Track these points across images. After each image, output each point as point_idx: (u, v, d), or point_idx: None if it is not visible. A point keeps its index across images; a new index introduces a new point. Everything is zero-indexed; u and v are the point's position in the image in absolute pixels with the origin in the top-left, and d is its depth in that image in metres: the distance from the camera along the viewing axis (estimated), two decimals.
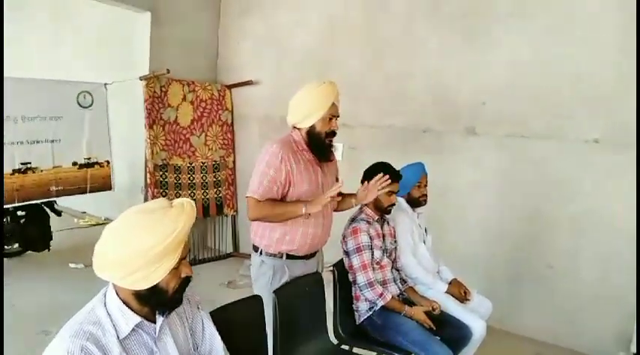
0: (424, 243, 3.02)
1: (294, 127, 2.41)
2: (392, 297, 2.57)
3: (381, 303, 2.55)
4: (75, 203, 6.34)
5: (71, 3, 6.58)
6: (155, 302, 1.39)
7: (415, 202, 2.98)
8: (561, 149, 3.63)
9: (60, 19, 7.01)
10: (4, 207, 4.24)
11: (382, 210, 2.70)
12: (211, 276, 4.72)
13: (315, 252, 2.53)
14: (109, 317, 1.35)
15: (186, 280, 1.43)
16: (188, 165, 5.09)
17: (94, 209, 6.87)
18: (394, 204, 2.72)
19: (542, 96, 3.66)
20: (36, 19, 7.31)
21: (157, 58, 4.84)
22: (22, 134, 4.18)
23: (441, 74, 4.10)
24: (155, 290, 1.35)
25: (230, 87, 5.41)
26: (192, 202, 1.42)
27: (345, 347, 2.64)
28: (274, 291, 2.26)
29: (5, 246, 4.86)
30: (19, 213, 4.90)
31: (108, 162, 4.87)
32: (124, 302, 1.37)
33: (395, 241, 2.83)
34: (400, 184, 2.67)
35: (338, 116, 2.39)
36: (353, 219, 2.70)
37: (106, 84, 4.76)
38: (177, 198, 1.44)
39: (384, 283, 2.66)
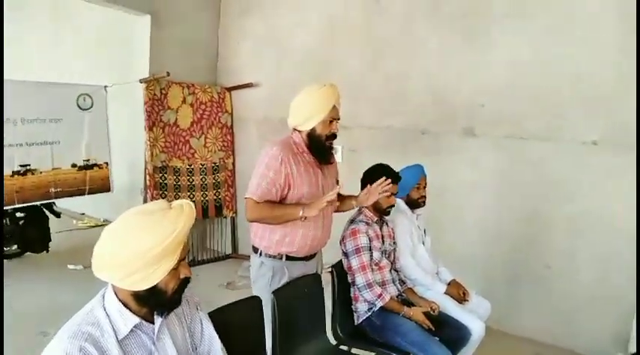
0: (423, 244, 3.02)
1: (295, 129, 2.41)
2: (391, 298, 2.58)
3: (379, 304, 2.56)
4: (74, 204, 6.35)
5: (71, 5, 6.59)
6: (154, 303, 1.39)
7: (414, 204, 2.98)
8: (559, 150, 3.63)
9: (59, 21, 7.03)
10: (4, 208, 4.24)
11: (381, 212, 2.70)
12: (210, 277, 4.72)
13: (315, 254, 2.54)
14: (108, 317, 1.35)
15: (185, 281, 1.43)
16: (187, 167, 5.10)
17: (93, 210, 6.87)
18: (393, 206, 2.72)
19: (540, 97, 3.67)
20: (36, 20, 7.33)
21: (157, 60, 4.85)
22: (21, 136, 4.19)
23: (440, 75, 4.11)
24: (154, 291, 1.36)
25: (230, 89, 5.42)
26: (192, 204, 1.42)
27: (344, 347, 2.64)
28: (273, 292, 2.26)
29: (4, 248, 4.87)
30: (18, 214, 4.91)
31: (107, 163, 4.87)
32: (122, 303, 1.38)
33: (394, 242, 2.84)
34: (399, 186, 2.67)
35: (339, 119, 2.40)
36: (352, 221, 2.70)
37: (105, 86, 4.77)
38: (177, 199, 1.45)
39: (382, 284, 2.66)
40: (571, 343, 3.65)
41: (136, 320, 1.38)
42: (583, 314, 3.60)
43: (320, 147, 2.38)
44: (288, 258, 2.39)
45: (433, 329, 2.52)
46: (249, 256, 2.52)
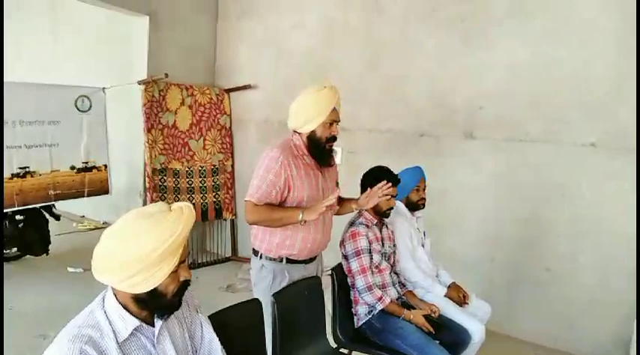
0: (423, 246, 3.02)
1: (295, 132, 2.41)
2: (391, 301, 2.57)
3: (380, 307, 2.55)
4: (73, 207, 6.34)
5: (69, 6, 6.59)
6: (154, 305, 1.39)
7: (414, 206, 2.98)
8: (559, 152, 3.64)
9: (58, 22, 7.02)
10: (4, 211, 4.24)
11: (381, 214, 2.70)
12: (210, 280, 4.71)
13: (315, 257, 2.53)
14: (108, 320, 1.35)
15: (185, 284, 1.43)
16: (187, 169, 5.09)
17: (93, 213, 6.86)
18: (392, 208, 2.72)
19: (540, 99, 3.68)
20: (34, 21, 7.32)
21: (156, 62, 4.85)
22: (20, 138, 4.18)
23: (439, 77, 4.11)
24: (154, 293, 1.35)
25: (228, 91, 5.42)
26: (191, 206, 1.42)
27: (344, 350, 2.64)
28: (273, 295, 2.26)
29: (4, 250, 4.85)
30: (18, 217, 4.90)
31: (105, 166, 4.87)
32: (122, 306, 1.37)
33: (394, 245, 2.83)
34: (399, 188, 2.67)
35: (339, 121, 2.39)
36: (352, 223, 2.70)
37: (104, 88, 4.76)
38: (176, 202, 1.44)
39: (383, 287, 2.66)
40: (571, 346, 3.65)
41: (136, 322, 1.37)
42: (583, 317, 3.60)
43: (320, 150, 2.37)
44: (289, 260, 2.39)
45: (433, 332, 2.51)
46: (249, 259, 2.52)
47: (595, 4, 3.46)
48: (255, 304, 2.15)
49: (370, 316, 2.59)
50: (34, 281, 4.52)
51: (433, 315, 2.58)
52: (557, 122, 3.63)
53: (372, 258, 2.61)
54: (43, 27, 7.21)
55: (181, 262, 1.39)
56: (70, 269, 4.84)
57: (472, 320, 2.69)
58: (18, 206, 4.27)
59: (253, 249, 2.46)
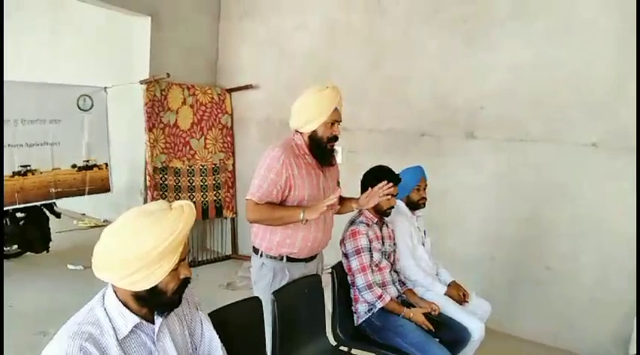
0: (423, 245, 3.02)
1: (296, 131, 2.41)
2: (391, 299, 2.58)
3: (380, 305, 2.56)
4: (74, 205, 6.35)
5: (70, 6, 6.59)
6: (154, 303, 1.39)
7: (414, 205, 2.99)
8: (560, 152, 3.64)
9: (59, 22, 7.03)
10: (5, 208, 4.25)
11: (381, 213, 2.70)
12: (210, 278, 4.72)
13: (316, 255, 2.54)
14: (108, 317, 1.35)
15: (185, 281, 1.43)
16: (188, 167, 5.10)
17: (94, 211, 6.88)
18: (393, 207, 2.72)
19: (541, 99, 3.68)
20: (35, 21, 7.33)
21: (157, 61, 4.86)
22: (22, 137, 4.19)
23: (440, 77, 4.11)
24: (154, 291, 1.36)
25: (230, 91, 5.42)
26: (192, 204, 1.42)
27: (344, 348, 2.64)
28: (273, 293, 2.26)
29: (5, 248, 4.87)
30: (19, 214, 4.91)
31: (106, 164, 4.88)
32: (123, 303, 1.38)
33: (394, 243, 2.84)
34: (399, 187, 2.67)
35: (340, 121, 2.39)
36: (352, 222, 2.70)
37: (105, 87, 4.77)
38: (177, 200, 1.45)
39: (383, 285, 2.66)
40: (571, 345, 3.66)
41: (136, 320, 1.38)
42: (583, 316, 3.60)
43: (321, 150, 2.38)
44: (289, 259, 2.39)
45: (433, 330, 2.52)
46: (249, 257, 2.52)
47: (595, 5, 3.46)
48: (255, 302, 2.16)
49: (370, 314, 2.60)
50: (35, 279, 4.53)
51: (433, 313, 2.59)
52: (558, 122, 3.63)
53: (372, 257, 2.62)
54: (43, 27, 7.22)
55: (182, 260, 1.40)
56: (71, 267, 4.85)
57: (472, 319, 2.69)
58: (19, 204, 4.28)
59: (254, 247, 2.47)
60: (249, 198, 2.27)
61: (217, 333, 1.62)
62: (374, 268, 2.63)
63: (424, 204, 3.01)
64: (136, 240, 1.31)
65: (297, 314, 2.36)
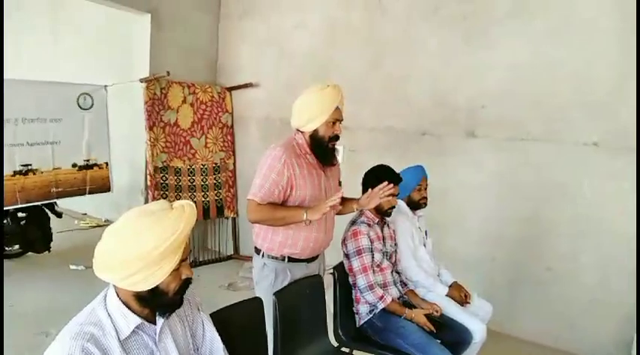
0: (424, 245, 3.02)
1: (298, 130, 2.41)
2: (392, 300, 2.57)
3: (381, 306, 2.55)
4: (75, 204, 6.35)
5: (69, 6, 6.59)
6: (155, 303, 1.39)
7: (415, 205, 2.98)
8: (560, 152, 3.63)
9: (59, 20, 7.03)
10: (5, 208, 4.24)
11: (382, 213, 2.70)
12: (211, 278, 4.72)
13: (317, 256, 2.53)
14: (110, 318, 1.35)
15: (187, 282, 1.43)
16: (188, 167, 5.10)
17: (95, 210, 6.88)
18: (394, 207, 2.72)
19: (541, 98, 3.67)
20: (35, 20, 7.33)
21: (157, 59, 4.86)
22: (22, 136, 4.18)
23: (441, 76, 4.11)
24: (155, 291, 1.36)
25: (230, 89, 5.42)
26: (193, 204, 1.42)
27: (346, 349, 2.64)
28: (275, 293, 2.26)
29: (6, 247, 4.87)
30: (20, 214, 4.91)
31: (107, 163, 4.87)
32: (124, 304, 1.38)
33: (395, 244, 2.84)
34: (400, 187, 2.66)
35: (341, 120, 2.38)
36: (353, 222, 2.70)
37: (106, 86, 4.76)
38: (178, 200, 1.44)
39: (384, 286, 2.66)
40: (573, 346, 3.65)
41: (138, 320, 1.38)
42: (585, 317, 3.60)
43: (322, 149, 2.37)
44: (291, 259, 2.39)
45: (435, 331, 2.51)
46: (251, 257, 2.52)
47: (596, 4, 3.45)
48: (256, 302, 2.15)
49: (371, 315, 2.59)
50: (36, 279, 4.52)
51: (435, 314, 2.58)
52: (558, 121, 3.63)
53: (373, 257, 2.61)
54: (43, 27, 7.21)
55: (183, 260, 1.39)
56: (72, 267, 4.85)
57: (473, 320, 2.68)
58: (20, 203, 4.28)
59: (255, 248, 2.46)
60: (251, 198, 2.27)
61: (218, 334, 1.61)
62: (375, 269, 2.63)
63: (425, 203, 3.00)
64: (136, 240, 1.31)
65: (298, 315, 2.36)
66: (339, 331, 2.65)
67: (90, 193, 4.79)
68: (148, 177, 4.76)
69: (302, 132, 2.38)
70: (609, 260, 3.49)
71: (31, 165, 4.27)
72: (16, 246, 4.99)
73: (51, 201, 4.71)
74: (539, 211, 3.75)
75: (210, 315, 1.67)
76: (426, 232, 3.09)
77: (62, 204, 5.06)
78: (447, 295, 2.83)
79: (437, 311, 2.59)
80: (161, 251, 1.31)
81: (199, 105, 5.17)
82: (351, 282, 2.67)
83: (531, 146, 3.74)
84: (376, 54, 4.45)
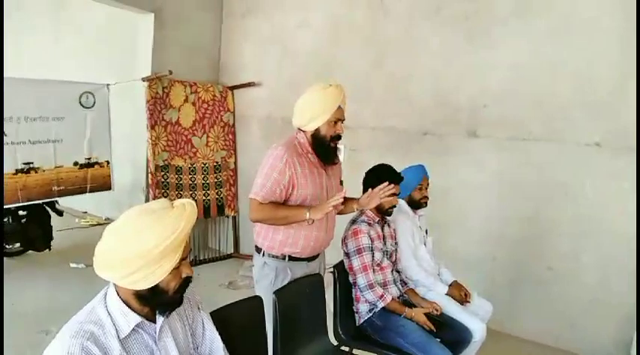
0: (425, 244, 3.02)
1: (299, 129, 2.40)
2: (392, 299, 2.57)
3: (381, 305, 2.55)
4: (76, 203, 6.35)
5: (70, 5, 6.59)
6: (155, 302, 1.39)
7: (416, 204, 2.98)
8: (562, 152, 3.63)
9: (61, 19, 7.03)
10: (6, 206, 4.25)
11: (383, 212, 2.70)
12: (212, 277, 4.72)
13: (318, 255, 2.54)
14: (110, 316, 1.35)
15: (187, 280, 1.43)
16: (189, 165, 5.10)
17: (95, 209, 6.89)
18: (395, 206, 2.72)
19: (543, 98, 3.67)
20: (37, 18, 7.32)
21: (160, 58, 4.86)
22: (24, 134, 4.19)
23: (443, 76, 4.10)
24: (156, 290, 1.36)
25: (232, 88, 5.42)
26: (193, 203, 1.42)
27: (345, 348, 2.64)
28: (275, 292, 2.26)
29: (6, 246, 4.88)
30: (21, 212, 4.92)
31: (108, 162, 4.88)
32: (124, 302, 1.38)
33: (395, 243, 2.84)
34: (401, 186, 2.66)
35: (344, 120, 2.38)
36: (353, 221, 2.70)
37: (108, 85, 4.77)
38: (179, 198, 1.44)
39: (384, 285, 2.66)
40: (573, 345, 3.65)
41: (138, 319, 1.38)
42: (585, 316, 3.60)
43: (324, 148, 2.37)
44: (291, 258, 2.39)
45: (434, 330, 2.51)
46: (251, 256, 2.52)
47: (597, 4, 3.45)
48: (256, 301, 2.15)
49: (371, 314, 2.60)
50: (36, 277, 4.54)
51: (435, 313, 2.58)
52: (560, 121, 3.62)
53: (373, 256, 2.61)
54: (43, 27, 7.21)
55: (183, 259, 1.39)
56: (72, 265, 4.86)
57: (473, 319, 2.68)
58: (22, 201, 4.29)
59: (256, 246, 2.46)
60: (253, 197, 2.27)
61: (219, 332, 1.61)
62: (375, 268, 2.63)
63: (426, 203, 3.00)
64: (137, 238, 1.31)
65: (298, 314, 2.36)
66: (339, 330, 2.66)
67: (91, 191, 4.80)
68: (149, 175, 4.77)
69: (304, 131, 2.38)
70: (610, 260, 3.48)
71: (32, 163, 4.27)
72: (17, 244, 5.01)
73: (52, 199, 4.71)
74: (540, 211, 3.75)
75: (210, 314, 1.67)
76: (426, 231, 3.09)
77: (63, 202, 5.07)
78: (447, 294, 2.83)
79: (437, 310, 2.59)
80: (161, 249, 1.31)
81: (201, 104, 5.17)
82: (351, 281, 2.67)
83: (533, 146, 3.73)
84: (378, 53, 4.44)
